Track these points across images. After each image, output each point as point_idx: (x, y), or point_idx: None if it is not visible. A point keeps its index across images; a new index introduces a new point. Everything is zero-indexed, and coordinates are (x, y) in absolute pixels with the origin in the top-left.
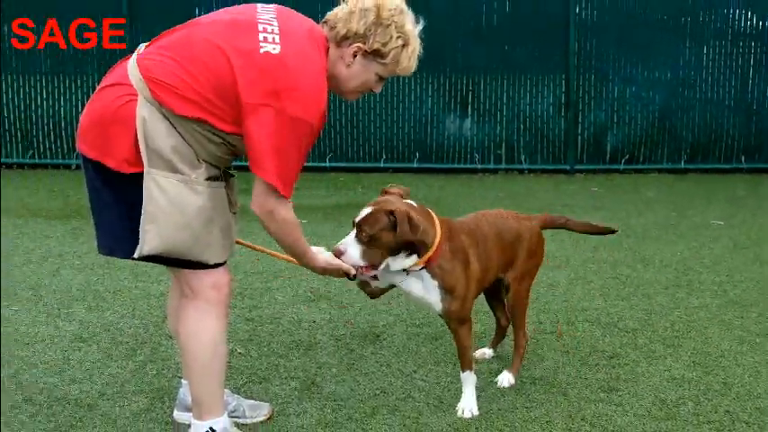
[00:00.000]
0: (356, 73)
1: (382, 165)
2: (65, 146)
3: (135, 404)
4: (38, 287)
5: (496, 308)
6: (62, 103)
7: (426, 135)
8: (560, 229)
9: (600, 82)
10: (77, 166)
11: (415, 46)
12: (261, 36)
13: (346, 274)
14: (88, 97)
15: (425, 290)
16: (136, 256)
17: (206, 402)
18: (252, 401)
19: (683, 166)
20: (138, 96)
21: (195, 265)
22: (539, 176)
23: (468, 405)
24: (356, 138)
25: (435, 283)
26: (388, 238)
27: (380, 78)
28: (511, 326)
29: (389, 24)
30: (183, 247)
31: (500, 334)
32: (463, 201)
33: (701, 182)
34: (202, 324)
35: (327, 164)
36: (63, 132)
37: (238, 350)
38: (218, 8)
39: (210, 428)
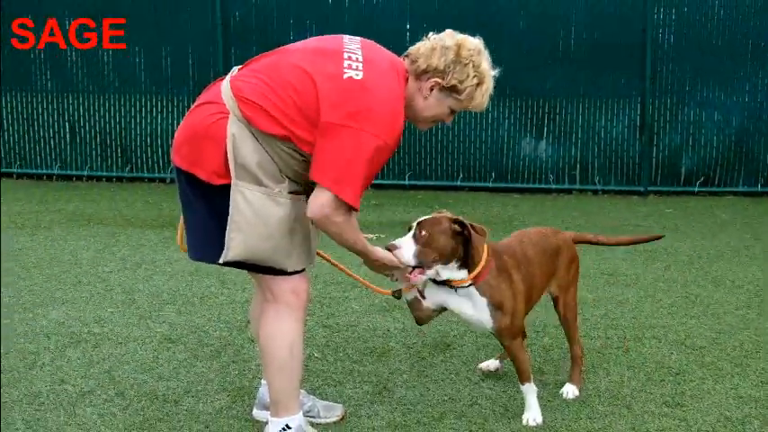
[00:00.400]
0: (431, 105)
1: (459, 183)
2: (159, 160)
3: (217, 402)
4: (131, 291)
5: None
6: (159, 120)
7: (502, 155)
8: (592, 244)
9: (675, 106)
10: (171, 180)
11: (489, 85)
12: (345, 63)
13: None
14: (181, 116)
15: (475, 308)
16: (221, 261)
17: (283, 401)
18: (326, 402)
19: (759, 189)
20: (229, 114)
21: (276, 272)
22: (612, 197)
23: (532, 415)
24: (434, 157)
25: (485, 300)
26: (444, 241)
27: (452, 112)
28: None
29: (468, 63)
30: (265, 254)
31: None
32: (536, 219)
33: None
34: (281, 326)
35: (406, 182)
36: (159, 148)
37: (315, 354)
38: (306, 37)
39: (286, 425)
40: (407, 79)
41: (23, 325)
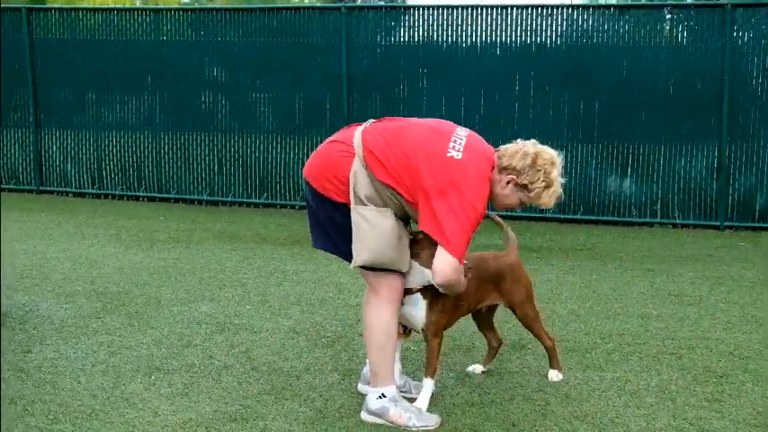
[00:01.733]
0: (506, 194)
1: (549, 215)
2: (291, 190)
3: (330, 378)
4: (265, 294)
5: (486, 332)
6: (291, 156)
7: (590, 191)
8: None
9: (751, 149)
10: (300, 207)
11: (556, 188)
12: (450, 144)
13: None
14: (309, 154)
15: (418, 308)
16: (351, 267)
17: (381, 374)
18: (417, 382)
19: None
20: (354, 156)
21: (385, 271)
22: (690, 231)
23: (420, 404)
24: None
25: (425, 302)
26: None
27: (522, 203)
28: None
29: (540, 170)
30: (385, 258)
31: (492, 354)
32: (618, 248)
33: None
34: (381, 314)
35: (504, 212)
36: (290, 179)
37: (412, 348)
38: (420, 88)
39: (382, 394)
40: (494, 167)
41: (181, 315)
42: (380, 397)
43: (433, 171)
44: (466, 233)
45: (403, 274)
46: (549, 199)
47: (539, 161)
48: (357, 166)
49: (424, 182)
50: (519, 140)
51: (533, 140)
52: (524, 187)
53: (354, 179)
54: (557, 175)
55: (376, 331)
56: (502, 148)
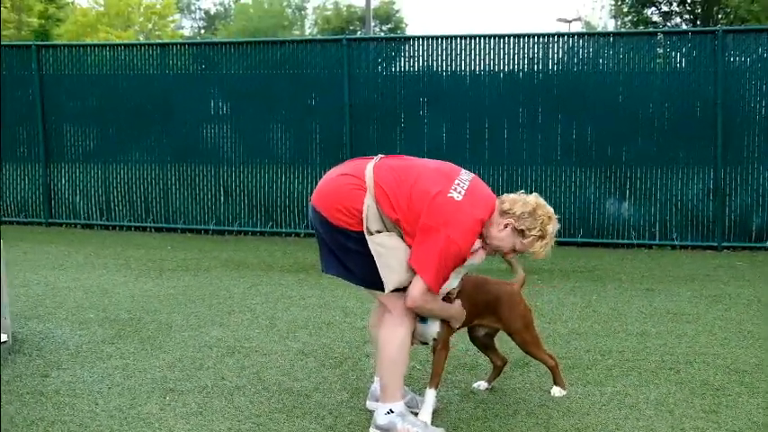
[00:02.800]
0: (502, 237)
1: None
2: (296, 218)
3: (339, 396)
4: (273, 318)
5: (489, 354)
6: (296, 185)
7: (589, 214)
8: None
9: (746, 171)
10: (306, 234)
11: (549, 242)
12: (453, 186)
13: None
14: (314, 181)
15: (433, 323)
16: (386, 292)
17: (390, 389)
18: (423, 398)
19: None
20: (366, 190)
21: (398, 290)
22: (688, 251)
23: (423, 417)
24: None
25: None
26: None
27: (514, 250)
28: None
29: (539, 219)
30: (411, 274)
31: (496, 372)
32: (617, 269)
33: None
34: (395, 331)
35: None
36: (295, 208)
37: (417, 366)
38: (418, 116)
39: (390, 410)
40: (493, 212)
41: (192, 339)
42: (389, 412)
43: (432, 210)
44: (441, 263)
45: None
46: (540, 249)
47: (539, 211)
48: (369, 201)
49: (422, 218)
50: (522, 192)
51: (536, 194)
52: (521, 233)
53: (367, 212)
54: (552, 230)
55: (390, 347)
56: (506, 195)
